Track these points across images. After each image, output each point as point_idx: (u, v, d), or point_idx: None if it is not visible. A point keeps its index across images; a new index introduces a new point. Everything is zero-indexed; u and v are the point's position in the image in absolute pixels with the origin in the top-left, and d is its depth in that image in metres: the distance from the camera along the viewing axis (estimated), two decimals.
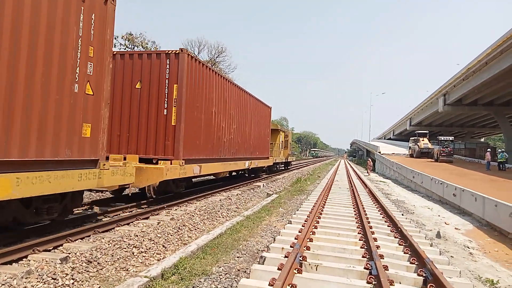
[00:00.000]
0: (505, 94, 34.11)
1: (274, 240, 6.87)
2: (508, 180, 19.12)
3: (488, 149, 31.38)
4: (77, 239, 6.56)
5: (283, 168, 32.97)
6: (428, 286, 4.60)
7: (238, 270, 5.50)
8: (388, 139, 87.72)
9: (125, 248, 6.25)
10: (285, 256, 5.50)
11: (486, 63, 26.95)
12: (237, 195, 14.09)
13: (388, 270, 5.12)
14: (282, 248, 6.06)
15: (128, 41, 33.49)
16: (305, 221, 8.25)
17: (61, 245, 6.21)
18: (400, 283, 4.93)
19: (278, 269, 4.91)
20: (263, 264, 5.53)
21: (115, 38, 32.56)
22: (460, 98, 37.01)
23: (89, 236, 6.85)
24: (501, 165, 26.65)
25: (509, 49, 23.20)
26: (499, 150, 31.86)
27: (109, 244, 6.33)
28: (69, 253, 5.75)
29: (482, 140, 77.55)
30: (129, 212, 9.48)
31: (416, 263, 5.58)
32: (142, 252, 6.24)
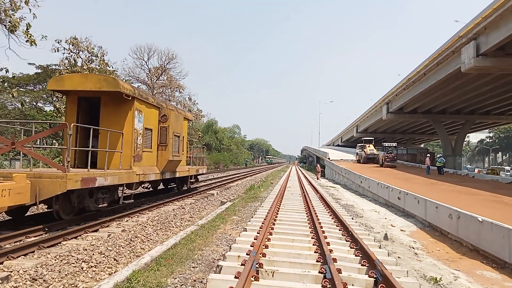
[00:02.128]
0: (442, 103, 36.72)
1: (230, 248, 6.85)
2: (446, 183, 20.53)
3: (428, 155, 33.49)
4: (19, 256, 6.12)
5: (161, 189, 17.66)
6: (379, 286, 4.82)
7: (194, 281, 5.42)
8: (336, 145, 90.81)
9: (73, 263, 5.93)
10: (242, 264, 5.51)
11: (424, 74, 28.90)
12: (190, 204, 13.88)
13: (341, 273, 5.29)
14: (238, 256, 6.05)
15: (73, 45, 31.96)
16: (260, 228, 8.31)
17: (1, 263, 5.76)
18: (353, 285, 5.13)
19: (235, 277, 4.91)
20: (219, 273, 5.49)
21: (58, 42, 30.98)
22: (401, 107, 39.31)
23: (33, 252, 6.42)
24: (440, 169, 28.53)
25: (444, 61, 25.07)
26: (438, 155, 34.09)
27: (55, 260, 5.98)
28: (11, 271, 5.35)
29: (422, 146, 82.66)
30: (76, 224, 8.99)
31: (367, 265, 5.82)
32: (92, 266, 5.95)
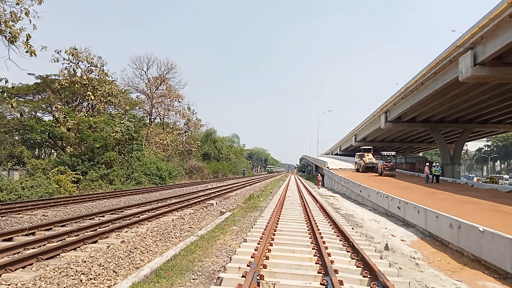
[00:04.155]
0: (440, 112, 36.81)
1: (230, 259, 6.80)
2: (445, 192, 20.48)
3: (427, 163, 33.45)
4: (18, 268, 6.07)
5: None
6: None
7: None
8: (335, 154, 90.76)
9: (72, 276, 5.87)
10: (243, 276, 5.47)
11: (422, 83, 29.01)
12: (190, 214, 13.81)
13: (343, 284, 5.25)
14: (239, 267, 6.01)
15: (72, 55, 32.13)
16: (260, 238, 8.26)
17: None
18: None
19: None
20: (220, 285, 5.46)
21: (58, 53, 31.12)
22: (400, 116, 39.36)
23: (31, 264, 6.37)
24: (437, 178, 28.47)
25: (442, 71, 25.19)
26: (434, 164, 34.06)
27: (54, 272, 5.92)
28: (9, 285, 5.30)
29: (421, 154, 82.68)
30: (75, 236, 8.94)
31: (368, 276, 5.78)
32: (91, 279, 5.89)
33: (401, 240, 10.48)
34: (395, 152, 44.55)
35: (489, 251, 7.55)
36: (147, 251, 8.01)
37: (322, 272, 5.92)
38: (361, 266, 6.34)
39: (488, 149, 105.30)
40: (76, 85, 32.39)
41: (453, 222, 9.25)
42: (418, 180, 31.55)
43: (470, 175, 78.16)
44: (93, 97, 33.24)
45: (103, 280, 5.92)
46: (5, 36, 14.00)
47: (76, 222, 11.16)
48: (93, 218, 12.17)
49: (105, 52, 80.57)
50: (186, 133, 56.09)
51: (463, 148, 56.83)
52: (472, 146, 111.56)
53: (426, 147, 69.35)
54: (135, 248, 7.99)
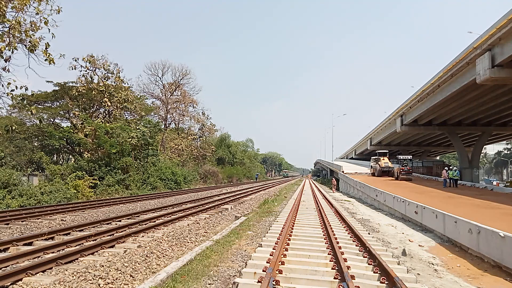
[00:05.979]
0: (457, 115, 36.19)
1: (246, 264, 6.79)
2: (464, 196, 20.08)
3: (445, 167, 32.87)
4: (38, 272, 6.19)
5: None
6: None
7: None
8: (350, 158, 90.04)
9: (90, 280, 5.96)
10: (258, 281, 5.46)
11: (439, 85, 28.60)
12: (205, 219, 13.87)
13: None
14: (255, 272, 6.00)
15: (89, 63, 32.76)
16: (275, 243, 8.24)
17: (20, 279, 5.83)
18: None
19: None
20: None
21: (76, 60, 31.76)
22: (416, 119, 38.84)
23: (51, 268, 6.49)
24: (456, 182, 27.91)
25: (459, 73, 24.80)
26: (454, 168, 33.44)
27: (73, 276, 6.02)
28: None
29: (438, 158, 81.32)
30: (93, 240, 9.07)
31: (386, 282, 5.70)
32: (108, 283, 5.96)
33: (419, 246, 10.30)
34: (411, 156, 43.87)
35: (510, 256, 7.36)
36: (163, 256, 8.07)
37: (339, 278, 5.87)
38: (378, 272, 6.25)
39: (508, 152, 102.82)
40: (93, 92, 33.00)
41: (473, 227, 9.05)
42: (435, 184, 31.03)
43: (490, 179, 76.38)
44: (109, 104, 33.82)
45: (120, 285, 5.98)
46: (25, 45, 14.39)
47: (93, 227, 11.33)
48: (110, 222, 12.34)
49: (121, 58, 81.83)
50: (201, 138, 56.51)
51: (482, 151, 55.66)
52: (491, 149, 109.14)
53: (443, 150, 68.18)
54: (151, 252, 8.06)
